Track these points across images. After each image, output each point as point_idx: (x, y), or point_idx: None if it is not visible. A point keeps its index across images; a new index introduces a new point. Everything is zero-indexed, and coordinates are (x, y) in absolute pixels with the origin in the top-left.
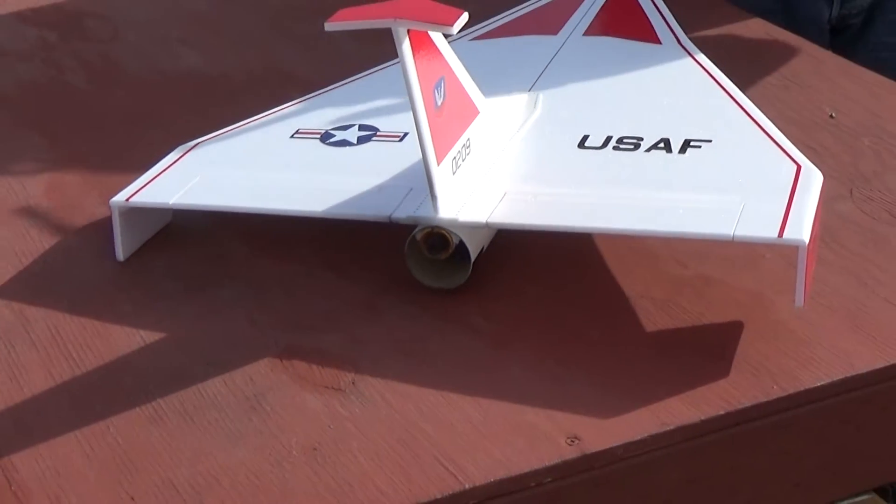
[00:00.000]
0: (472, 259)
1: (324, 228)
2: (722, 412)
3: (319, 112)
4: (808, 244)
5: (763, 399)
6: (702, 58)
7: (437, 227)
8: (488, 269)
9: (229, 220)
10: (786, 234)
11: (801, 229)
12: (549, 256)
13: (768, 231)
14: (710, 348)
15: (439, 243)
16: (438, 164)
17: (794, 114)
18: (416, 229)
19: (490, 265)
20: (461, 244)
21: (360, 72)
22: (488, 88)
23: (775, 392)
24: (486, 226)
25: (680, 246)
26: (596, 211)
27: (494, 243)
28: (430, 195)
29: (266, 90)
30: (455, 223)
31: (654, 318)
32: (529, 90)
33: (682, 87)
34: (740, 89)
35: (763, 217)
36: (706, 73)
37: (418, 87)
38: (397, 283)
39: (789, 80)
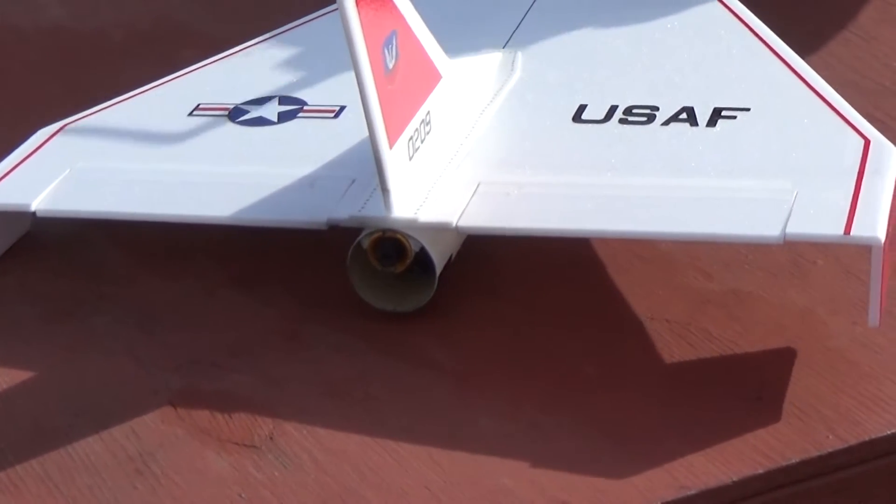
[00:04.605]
0: (438, 272)
1: (229, 233)
2: (761, 471)
3: (227, 81)
4: (884, 243)
5: (815, 453)
6: (733, 1)
7: (391, 229)
8: (449, 285)
9: (103, 220)
10: (854, 231)
11: (876, 223)
12: (530, 265)
13: (831, 227)
14: (743, 386)
15: (393, 251)
16: (391, 147)
17: (855, 75)
18: (363, 234)
19: (451, 279)
20: (423, 252)
21: (280, 25)
22: (449, 45)
23: (831, 443)
24: (456, 228)
25: (703, 251)
26: (599, 208)
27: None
28: (379, 188)
29: (155, 51)
30: (414, 224)
31: (669, 348)
32: (504, 46)
33: (708, 38)
34: (785, 42)
35: (823, 209)
36: (739, 21)
37: (363, 45)
38: (327, 304)
39: (850, 31)
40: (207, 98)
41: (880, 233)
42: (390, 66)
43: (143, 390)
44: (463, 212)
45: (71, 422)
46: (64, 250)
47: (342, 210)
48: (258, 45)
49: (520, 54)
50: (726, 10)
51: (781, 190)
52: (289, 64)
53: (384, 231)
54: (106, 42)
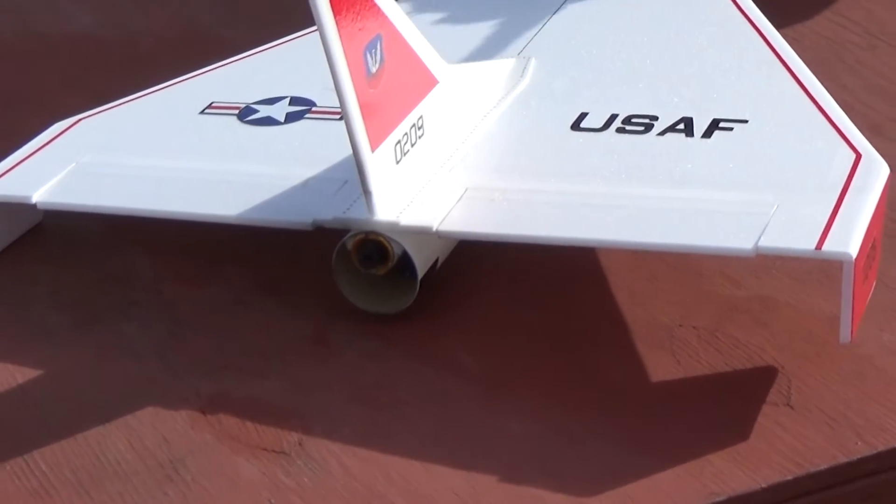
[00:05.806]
0: (420, 275)
1: (257, 239)
2: (789, 477)
3: (243, 81)
4: (858, 260)
5: (844, 459)
6: (749, 5)
7: (373, 232)
8: (474, 290)
9: (130, 226)
10: (827, 246)
11: (849, 239)
12: (555, 271)
13: (803, 241)
14: (771, 393)
15: (376, 254)
16: (374, 151)
17: (883, 81)
18: (347, 235)
19: (476, 284)
20: (405, 256)
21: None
22: (463, 51)
23: (860, 450)
24: (436, 232)
25: (730, 258)
26: (576, 216)
27: (477, 254)
28: (362, 191)
29: (182, 59)
30: (395, 227)
31: (697, 354)
32: (519, 54)
33: (719, 47)
34: (807, 50)
35: (800, 223)
36: (752, 27)
37: (340, 49)
38: (354, 310)
39: (877, 38)
40: (221, 97)
41: (852, 249)
42: (373, 69)
43: (173, 396)
44: (445, 217)
45: (101, 428)
46: (93, 258)
47: (328, 211)
48: (277, 47)
49: (533, 61)
50: (743, 18)
51: (762, 203)
52: (304, 66)
53: (367, 233)
54: (134, 50)
